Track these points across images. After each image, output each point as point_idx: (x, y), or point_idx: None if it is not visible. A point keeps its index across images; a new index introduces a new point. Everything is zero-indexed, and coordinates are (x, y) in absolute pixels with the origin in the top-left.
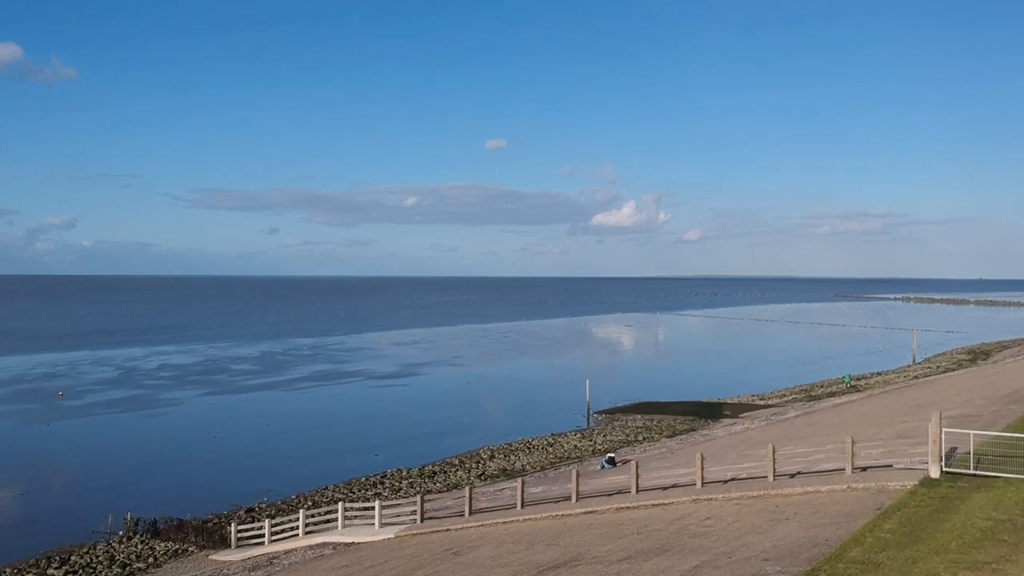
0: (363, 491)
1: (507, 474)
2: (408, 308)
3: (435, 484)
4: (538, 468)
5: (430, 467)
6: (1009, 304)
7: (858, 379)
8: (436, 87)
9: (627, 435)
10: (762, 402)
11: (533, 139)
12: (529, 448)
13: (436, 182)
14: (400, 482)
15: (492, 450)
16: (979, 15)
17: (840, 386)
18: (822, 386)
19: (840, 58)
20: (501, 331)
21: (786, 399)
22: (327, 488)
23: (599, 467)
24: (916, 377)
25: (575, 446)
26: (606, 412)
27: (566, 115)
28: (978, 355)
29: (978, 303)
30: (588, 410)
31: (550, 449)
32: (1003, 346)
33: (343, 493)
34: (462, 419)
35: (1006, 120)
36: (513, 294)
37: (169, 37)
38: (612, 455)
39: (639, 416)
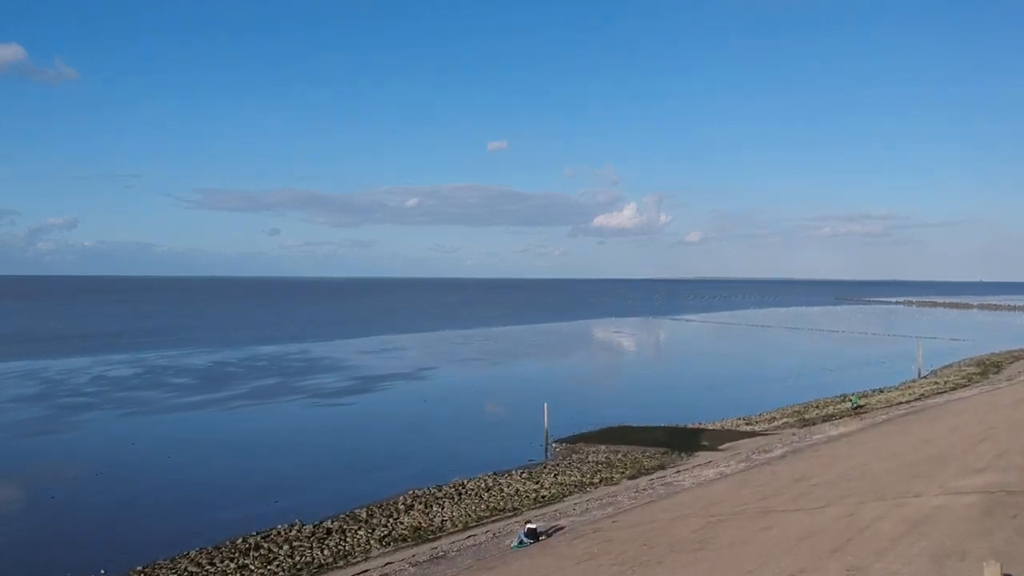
0: (230, 561)
1: (418, 536)
2: (402, 310)
3: (323, 552)
4: (459, 526)
5: (329, 522)
6: (1014, 308)
7: (860, 397)
8: (438, 88)
9: (582, 474)
10: (748, 427)
11: (535, 140)
12: (460, 494)
13: (438, 183)
14: (281, 547)
15: (415, 496)
16: (979, 15)
17: (840, 407)
18: (817, 406)
19: (841, 60)
20: (485, 337)
21: (776, 423)
22: (188, 554)
23: (514, 543)
24: (923, 396)
25: (516, 491)
26: (567, 441)
27: (568, 117)
28: (988, 367)
29: (982, 307)
30: (546, 440)
31: (485, 495)
32: (1015, 356)
33: (199, 564)
34: (397, 449)
35: (1008, 121)
36: (512, 296)
37: (170, 38)
38: (533, 525)
39: (604, 447)
